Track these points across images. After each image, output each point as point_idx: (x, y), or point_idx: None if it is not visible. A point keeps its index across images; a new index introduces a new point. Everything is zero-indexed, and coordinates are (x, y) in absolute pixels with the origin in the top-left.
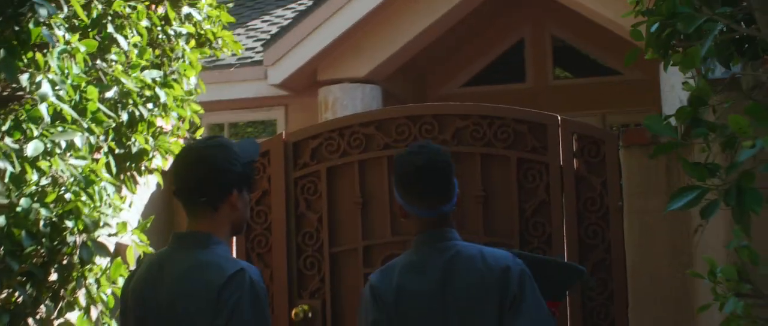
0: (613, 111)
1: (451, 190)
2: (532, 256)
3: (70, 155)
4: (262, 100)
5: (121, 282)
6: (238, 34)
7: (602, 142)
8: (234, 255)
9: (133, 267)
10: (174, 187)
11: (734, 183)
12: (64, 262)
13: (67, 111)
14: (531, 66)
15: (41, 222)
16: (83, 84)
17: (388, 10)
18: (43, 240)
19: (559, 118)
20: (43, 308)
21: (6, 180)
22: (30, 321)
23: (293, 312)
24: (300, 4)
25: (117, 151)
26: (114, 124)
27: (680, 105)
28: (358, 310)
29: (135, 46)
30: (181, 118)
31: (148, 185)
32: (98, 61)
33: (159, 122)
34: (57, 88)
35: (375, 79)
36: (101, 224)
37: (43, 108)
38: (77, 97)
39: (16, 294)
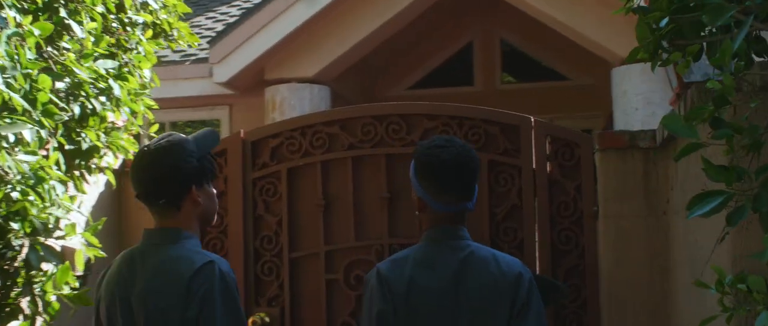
0: (561, 116)
1: (474, 188)
2: None
3: (18, 150)
4: (207, 98)
5: (67, 290)
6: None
7: (576, 145)
8: None
9: (80, 272)
10: (135, 191)
11: (763, 187)
12: (7, 268)
13: (18, 101)
14: (479, 69)
15: None
16: (35, 72)
17: (339, 10)
18: None
19: (532, 119)
20: None
21: None
22: None
23: (250, 320)
24: (246, 2)
25: (66, 147)
26: (65, 118)
27: (632, 111)
28: (363, 299)
29: (90, 33)
30: (133, 113)
31: (97, 184)
32: (49, 48)
33: (111, 117)
34: (6, 75)
35: (324, 79)
36: (50, 226)
37: None
38: (27, 86)
39: None
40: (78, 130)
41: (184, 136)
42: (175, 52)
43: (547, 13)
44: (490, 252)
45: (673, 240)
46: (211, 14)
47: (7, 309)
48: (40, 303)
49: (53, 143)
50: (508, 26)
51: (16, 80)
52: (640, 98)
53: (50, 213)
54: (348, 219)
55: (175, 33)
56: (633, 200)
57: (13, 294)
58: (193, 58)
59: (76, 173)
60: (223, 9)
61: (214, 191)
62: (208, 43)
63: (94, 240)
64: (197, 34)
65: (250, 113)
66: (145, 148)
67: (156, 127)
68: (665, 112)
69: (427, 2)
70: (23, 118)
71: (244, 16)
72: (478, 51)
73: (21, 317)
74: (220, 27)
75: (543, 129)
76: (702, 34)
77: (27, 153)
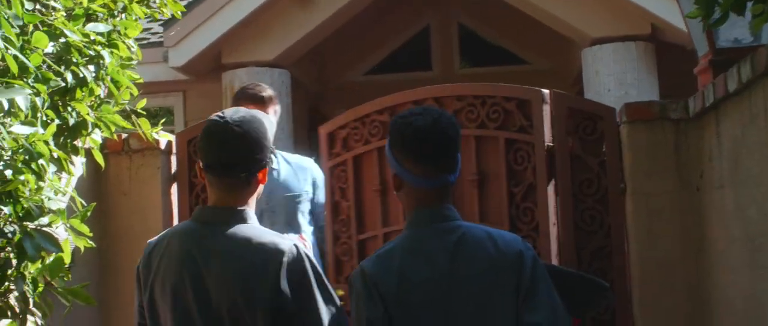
0: None
1: (455, 157)
2: (551, 267)
3: (10, 121)
4: (160, 84)
5: (59, 282)
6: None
7: (599, 118)
8: None
9: (68, 262)
10: (208, 162)
11: None
12: None
13: (12, 62)
14: (437, 54)
15: None
16: (31, 28)
17: None
18: None
19: (546, 92)
20: None
21: None
22: None
23: None
24: None
25: (54, 121)
26: (61, 84)
27: (605, 91)
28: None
29: None
30: (117, 86)
31: (75, 165)
32: (37, 6)
33: (100, 90)
34: None
35: (283, 63)
36: (46, 210)
37: None
38: (19, 46)
39: None
40: (65, 101)
41: None
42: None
43: None
44: (485, 231)
45: (711, 216)
46: None
47: None
48: (30, 300)
49: (42, 116)
50: (466, 10)
51: (8, 38)
52: (612, 79)
53: (46, 196)
54: (397, 203)
55: (157, 0)
56: (664, 175)
57: (1, 289)
58: (145, 42)
59: (64, 152)
60: None
61: None
62: (161, 25)
63: (84, 228)
64: (150, 18)
65: (205, 100)
66: (227, 120)
67: (144, 102)
68: (639, 93)
69: None
70: (19, 82)
71: None
72: (435, 35)
73: (9, 314)
74: None
75: (562, 101)
76: None
77: (23, 124)
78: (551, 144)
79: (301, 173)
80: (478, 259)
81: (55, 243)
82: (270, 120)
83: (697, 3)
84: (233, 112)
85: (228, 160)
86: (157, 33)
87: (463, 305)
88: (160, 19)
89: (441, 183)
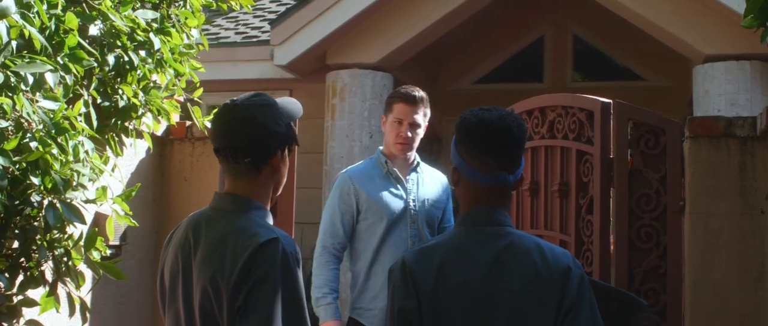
0: None
1: (517, 156)
2: (592, 281)
3: (40, 95)
4: (267, 82)
5: (96, 255)
6: (246, 13)
7: (662, 132)
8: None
9: (112, 240)
10: (216, 146)
11: None
12: (26, 227)
13: (36, 36)
14: (549, 66)
15: None
16: (60, 6)
17: None
18: (0, 194)
19: (609, 102)
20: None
21: None
22: None
23: None
24: None
25: (100, 102)
26: (97, 68)
27: (714, 112)
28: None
29: None
30: (178, 75)
31: (135, 150)
32: None
33: (154, 78)
34: (25, 2)
35: (386, 66)
36: (74, 184)
37: (2, 27)
38: (53, 27)
39: None
40: (114, 85)
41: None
42: (236, 33)
43: (626, 6)
44: (535, 242)
45: None
46: None
47: (27, 274)
48: (65, 270)
49: (84, 96)
50: (582, 21)
51: (37, 15)
52: (723, 99)
53: (75, 170)
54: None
55: None
56: (726, 195)
57: (33, 259)
58: (254, 40)
59: (111, 134)
60: None
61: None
62: (269, 24)
63: (126, 207)
64: (260, 16)
65: (310, 99)
66: (235, 102)
67: (200, 91)
68: (751, 115)
69: None
70: (43, 58)
71: None
72: (549, 46)
73: (42, 285)
74: (284, 10)
75: (624, 113)
76: None
77: (48, 98)
78: (608, 156)
79: (439, 184)
80: (522, 270)
81: (78, 216)
82: (295, 105)
83: (749, 11)
84: (247, 96)
85: (230, 143)
86: (267, 31)
87: (500, 314)
88: (268, 18)
89: (498, 180)
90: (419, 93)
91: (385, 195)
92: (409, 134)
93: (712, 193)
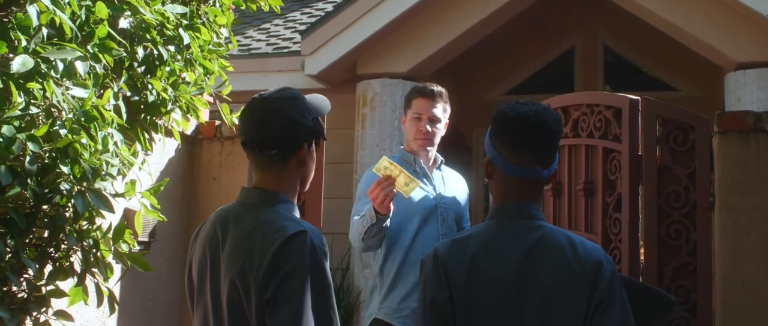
0: None
1: (552, 151)
2: (621, 276)
3: (70, 83)
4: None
5: (125, 248)
6: (277, 25)
7: (691, 128)
8: None
9: (140, 236)
10: (243, 138)
11: None
12: (55, 215)
13: (66, 22)
14: (580, 76)
15: (27, 159)
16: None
17: (435, 5)
18: (29, 181)
19: (637, 99)
20: (30, 271)
21: None
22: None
23: None
24: (341, 1)
25: (130, 96)
26: (127, 60)
27: None
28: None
29: None
30: (207, 72)
31: (165, 148)
32: None
33: (183, 75)
34: None
35: (417, 76)
36: (103, 173)
37: (33, 11)
38: (83, 16)
39: None
40: (144, 80)
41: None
42: (267, 44)
43: (657, 14)
44: (566, 236)
45: None
46: (306, 9)
47: (56, 264)
48: (93, 261)
49: (114, 87)
50: (613, 31)
51: (68, 4)
52: (756, 106)
53: (105, 160)
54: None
55: None
56: (755, 191)
57: (63, 248)
58: (285, 50)
59: (140, 129)
60: (319, 5)
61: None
62: (300, 34)
63: (154, 201)
64: (291, 28)
65: (341, 109)
66: (263, 96)
67: (229, 88)
68: None
69: (526, 2)
70: (73, 45)
71: (338, 7)
72: (579, 57)
73: (70, 276)
74: (314, 21)
75: (652, 109)
76: None
77: (78, 85)
78: (637, 153)
79: (460, 183)
80: (553, 263)
81: (107, 205)
82: (323, 100)
83: None
84: (275, 90)
85: (256, 135)
86: (297, 42)
87: (531, 307)
88: (299, 29)
89: (533, 174)
90: (437, 88)
91: (417, 191)
92: (429, 128)
93: (741, 189)
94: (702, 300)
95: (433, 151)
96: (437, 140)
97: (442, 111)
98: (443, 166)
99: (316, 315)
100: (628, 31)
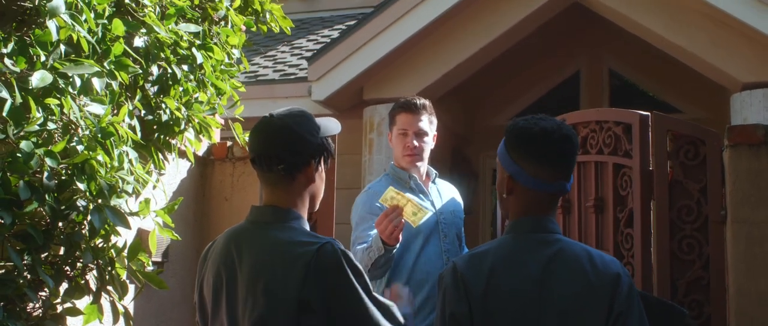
0: None
1: (573, 164)
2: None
3: (87, 100)
4: None
5: (139, 266)
6: (283, 52)
7: (701, 143)
8: None
9: (154, 256)
10: (252, 155)
11: None
12: (71, 233)
13: (85, 37)
14: (586, 100)
15: (45, 175)
16: (107, 12)
17: (440, 30)
18: (47, 197)
19: (647, 115)
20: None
21: (4, 113)
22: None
23: None
24: (347, 26)
25: (144, 115)
26: (142, 78)
27: None
28: (437, 297)
29: None
30: (219, 93)
31: (178, 169)
32: (127, 0)
33: (195, 96)
34: (74, 6)
35: None
36: (119, 191)
37: (52, 26)
38: (99, 33)
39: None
40: (157, 99)
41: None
42: (274, 71)
43: (662, 36)
44: (585, 250)
45: None
46: (312, 37)
47: (72, 283)
48: (109, 278)
49: (129, 106)
50: (617, 55)
51: (85, 19)
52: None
53: (121, 178)
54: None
55: (268, 15)
56: (767, 203)
57: (77, 266)
58: (292, 77)
59: (154, 148)
60: (325, 32)
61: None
62: (307, 60)
63: (168, 220)
64: (298, 54)
65: (348, 134)
66: (272, 114)
67: (241, 108)
68: None
69: (531, 26)
70: (90, 61)
71: (344, 34)
72: (585, 81)
73: (86, 294)
74: (320, 47)
75: (663, 124)
76: None
77: (95, 101)
78: (647, 168)
79: (456, 195)
80: (572, 277)
81: (124, 221)
82: (333, 121)
83: None
84: (284, 109)
85: (264, 151)
86: (304, 68)
87: (549, 320)
88: (305, 56)
89: (555, 188)
90: (420, 100)
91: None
92: (416, 143)
93: (753, 202)
94: (716, 313)
95: (424, 166)
96: (427, 154)
97: (428, 123)
98: (437, 179)
99: (379, 311)
100: (633, 55)
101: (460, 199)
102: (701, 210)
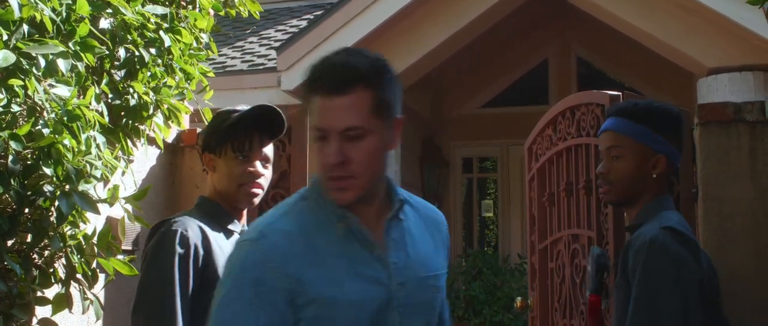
0: None
1: None
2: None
3: (53, 81)
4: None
5: (107, 253)
6: (252, 43)
7: None
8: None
9: (124, 244)
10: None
11: None
12: (38, 217)
13: (49, 16)
14: (554, 87)
15: (10, 159)
16: None
17: (409, 19)
18: (12, 181)
19: (618, 94)
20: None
21: None
22: None
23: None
24: (316, 16)
25: (111, 99)
26: (108, 61)
27: None
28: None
29: None
30: (188, 77)
31: (147, 156)
32: None
33: (164, 81)
34: None
35: None
36: (86, 175)
37: (14, 3)
38: (64, 13)
39: None
40: (125, 84)
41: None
42: (242, 61)
43: (631, 23)
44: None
45: None
46: (281, 27)
47: (40, 271)
48: (77, 266)
49: (96, 89)
50: (585, 43)
51: (49, 0)
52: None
53: (89, 162)
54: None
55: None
56: (737, 180)
57: (45, 255)
58: (261, 67)
59: (123, 134)
60: (294, 22)
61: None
62: (276, 50)
63: (138, 206)
64: (266, 45)
65: None
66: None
67: (211, 93)
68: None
69: (499, 14)
70: (55, 42)
71: (313, 23)
72: (553, 68)
73: (54, 284)
74: (290, 36)
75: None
76: None
77: (60, 82)
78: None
79: (436, 233)
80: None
81: (92, 206)
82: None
83: None
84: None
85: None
86: (273, 59)
87: None
88: (274, 46)
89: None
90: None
91: (353, 281)
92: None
93: (723, 179)
94: None
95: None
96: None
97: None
98: (406, 208)
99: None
100: (600, 42)
101: (445, 237)
102: (673, 188)
